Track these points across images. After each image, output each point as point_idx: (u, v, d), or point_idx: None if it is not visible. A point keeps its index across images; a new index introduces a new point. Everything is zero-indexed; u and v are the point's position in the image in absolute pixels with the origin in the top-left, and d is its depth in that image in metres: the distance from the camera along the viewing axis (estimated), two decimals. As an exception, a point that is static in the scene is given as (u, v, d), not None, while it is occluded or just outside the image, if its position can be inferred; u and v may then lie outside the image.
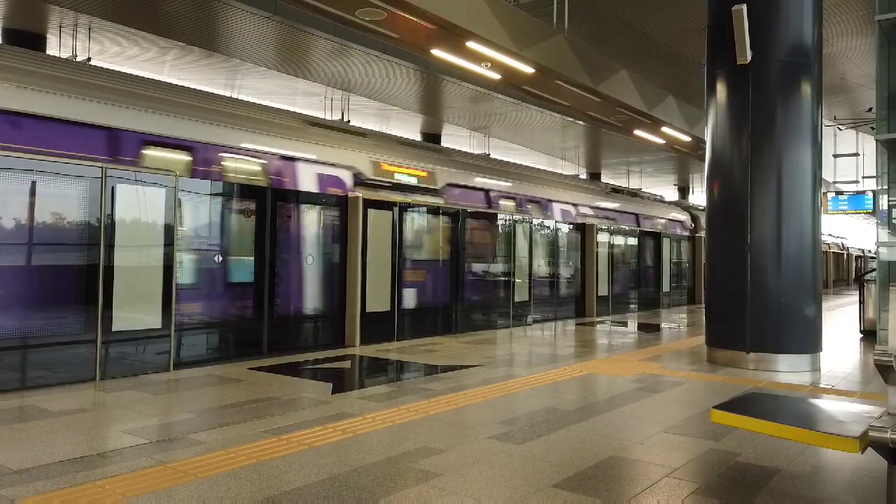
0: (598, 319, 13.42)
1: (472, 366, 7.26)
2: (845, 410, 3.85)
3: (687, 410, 5.31)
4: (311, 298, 8.66)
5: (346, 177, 9.12)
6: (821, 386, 6.53)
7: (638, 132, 16.05)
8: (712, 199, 7.97)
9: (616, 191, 17.72)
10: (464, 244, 10.72)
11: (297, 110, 12.86)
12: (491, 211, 11.86)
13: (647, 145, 19.17)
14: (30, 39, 12.08)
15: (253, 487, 3.39)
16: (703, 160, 8.24)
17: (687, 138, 16.89)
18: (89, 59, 12.76)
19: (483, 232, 11.48)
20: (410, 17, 8.46)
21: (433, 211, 10.43)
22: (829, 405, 4.38)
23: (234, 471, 3.63)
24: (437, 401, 5.45)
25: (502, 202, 12.47)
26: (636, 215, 17.18)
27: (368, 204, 8.91)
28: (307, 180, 8.61)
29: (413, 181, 10.29)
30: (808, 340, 7.37)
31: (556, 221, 13.49)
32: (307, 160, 8.70)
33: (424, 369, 7.13)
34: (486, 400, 5.55)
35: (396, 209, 9.37)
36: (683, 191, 34.03)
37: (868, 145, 22.49)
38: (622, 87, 13.12)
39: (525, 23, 10.33)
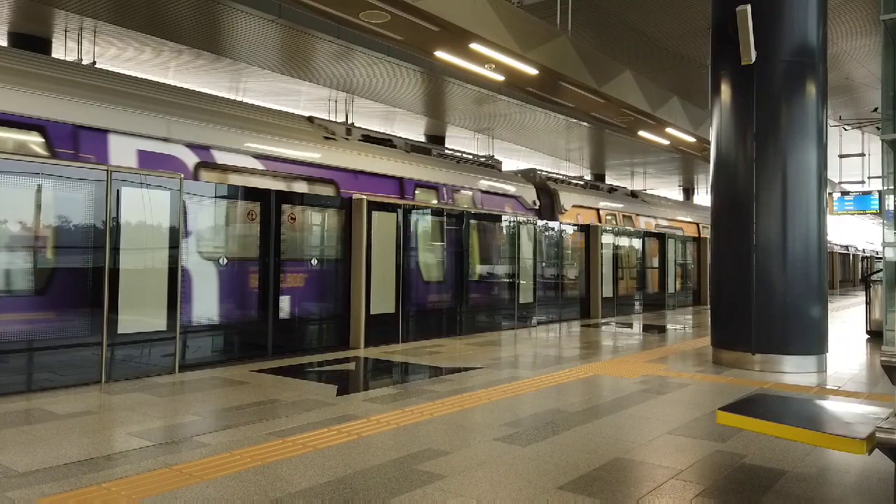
0: (604, 321, 13.39)
1: (477, 367, 7.25)
2: (852, 412, 3.83)
3: (693, 412, 5.30)
4: (316, 300, 8.67)
5: None
6: (827, 387, 6.50)
7: (642, 133, 16.05)
8: (717, 200, 7.95)
9: (371, 139, 10.94)
10: (469, 245, 10.71)
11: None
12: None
13: (652, 146, 19.16)
14: (35, 43, 12.14)
15: (258, 489, 3.39)
16: (708, 161, 8.22)
17: (691, 139, 16.89)
18: (94, 62, 12.81)
19: (493, 233, 11.48)
20: (414, 20, 8.49)
21: (437, 212, 10.43)
22: (835, 406, 4.36)
23: (240, 473, 3.63)
24: (442, 403, 5.45)
25: None
26: (399, 180, 10.73)
27: (373, 206, 8.92)
28: None
29: None
30: (814, 341, 7.34)
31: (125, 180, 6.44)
32: None
33: (429, 371, 7.13)
34: (491, 402, 5.55)
35: (400, 210, 9.38)
36: (688, 191, 34.00)
37: (874, 145, 22.44)
38: (626, 88, 13.13)
39: (528, 24, 10.34)
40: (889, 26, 3.66)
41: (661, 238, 17.19)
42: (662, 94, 14.84)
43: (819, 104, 7.44)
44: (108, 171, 6.25)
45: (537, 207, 14.26)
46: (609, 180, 28.70)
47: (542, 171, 16.29)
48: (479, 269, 11.24)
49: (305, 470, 3.70)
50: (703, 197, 33.43)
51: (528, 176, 15.42)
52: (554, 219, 14.49)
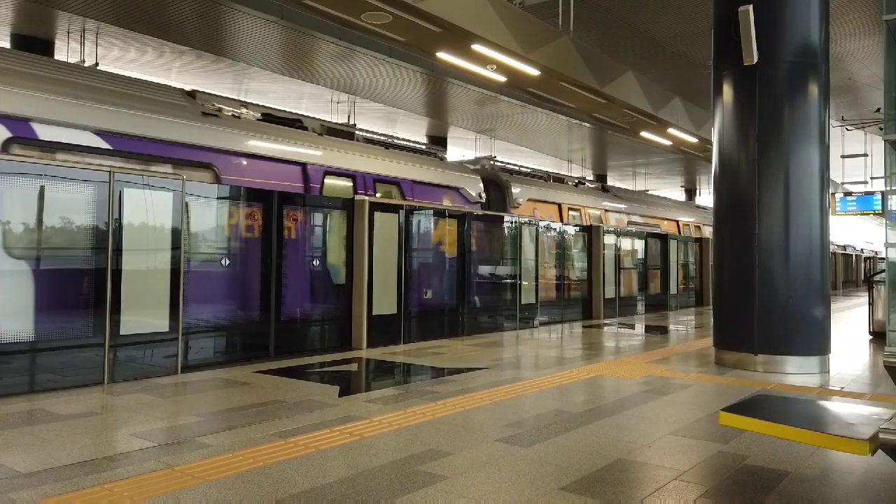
0: (606, 322, 13.38)
1: (479, 368, 7.25)
2: (855, 412, 3.83)
3: (695, 413, 5.29)
4: (318, 301, 8.67)
5: None
6: (830, 388, 6.49)
7: (644, 133, 16.04)
8: (720, 201, 7.95)
9: (273, 118, 9.68)
10: (471, 246, 10.71)
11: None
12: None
13: (654, 146, 19.15)
14: (38, 45, 12.18)
15: (260, 490, 3.39)
16: (710, 161, 8.22)
17: (693, 139, 16.88)
18: (97, 64, 12.84)
19: (495, 233, 11.48)
20: (416, 21, 8.49)
21: (439, 213, 10.43)
22: (838, 407, 4.36)
23: (242, 474, 3.63)
24: (445, 403, 5.45)
25: None
26: (304, 167, 9.38)
27: (374, 207, 8.92)
28: None
29: None
30: (816, 342, 7.33)
31: None
32: None
33: (431, 372, 7.13)
34: (494, 402, 5.55)
35: (402, 211, 9.38)
36: (690, 192, 34.00)
37: (876, 146, 22.42)
38: (628, 88, 13.12)
39: (530, 25, 10.34)
40: (892, 27, 3.65)
41: (664, 239, 17.18)
42: (664, 94, 14.83)
43: (821, 105, 7.43)
44: (110, 172, 6.26)
45: (483, 201, 12.87)
46: (611, 181, 28.70)
47: (494, 160, 15.29)
48: (482, 269, 11.23)
49: (308, 471, 3.70)
50: (704, 197, 33.44)
51: (474, 166, 14.07)
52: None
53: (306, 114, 12.07)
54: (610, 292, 14.31)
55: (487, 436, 4.49)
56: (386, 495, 3.35)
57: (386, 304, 9.04)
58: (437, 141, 20.88)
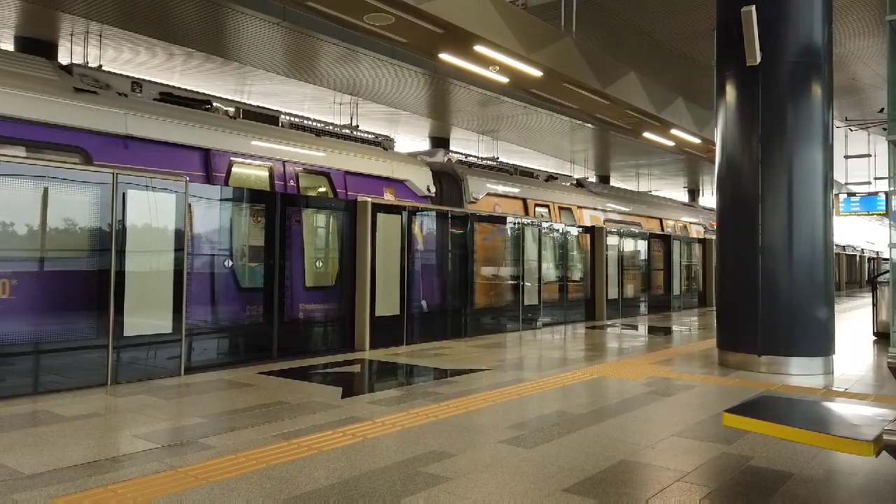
0: (609, 323, 13.36)
1: (482, 370, 7.25)
2: (859, 413, 3.82)
3: (698, 414, 5.28)
4: (321, 303, 8.68)
5: None
6: (834, 389, 6.48)
7: (647, 134, 16.05)
8: (723, 202, 7.94)
9: (175, 98, 8.67)
10: (474, 247, 10.70)
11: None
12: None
13: (657, 147, 19.14)
14: (42, 47, 12.21)
15: (263, 492, 3.40)
16: (713, 162, 8.21)
17: (696, 140, 16.87)
18: (100, 66, 12.87)
19: (491, 235, 11.48)
20: (418, 22, 8.50)
21: (441, 214, 10.43)
22: (842, 408, 4.34)
23: (245, 475, 3.64)
24: (448, 405, 5.45)
25: None
26: (206, 152, 8.40)
27: (377, 208, 8.92)
28: None
29: None
30: (820, 343, 7.31)
31: None
32: None
33: (434, 373, 7.13)
34: (497, 404, 5.54)
35: (405, 213, 9.38)
36: (693, 193, 33.96)
37: (880, 146, 22.36)
38: (631, 89, 13.12)
39: (533, 26, 10.35)
40: (895, 27, 3.65)
41: (667, 240, 17.16)
42: (667, 95, 14.83)
43: (825, 105, 7.42)
44: (113, 174, 6.28)
45: (433, 194, 11.89)
46: (614, 181, 28.69)
47: (454, 152, 14.62)
48: (484, 270, 11.22)
49: (311, 472, 3.70)
50: (707, 198, 33.39)
51: (429, 157, 13.19)
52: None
53: (218, 94, 10.65)
54: (613, 293, 14.29)
55: (490, 437, 4.49)
56: (389, 497, 3.35)
57: (388, 305, 9.04)
58: (440, 142, 20.89)
